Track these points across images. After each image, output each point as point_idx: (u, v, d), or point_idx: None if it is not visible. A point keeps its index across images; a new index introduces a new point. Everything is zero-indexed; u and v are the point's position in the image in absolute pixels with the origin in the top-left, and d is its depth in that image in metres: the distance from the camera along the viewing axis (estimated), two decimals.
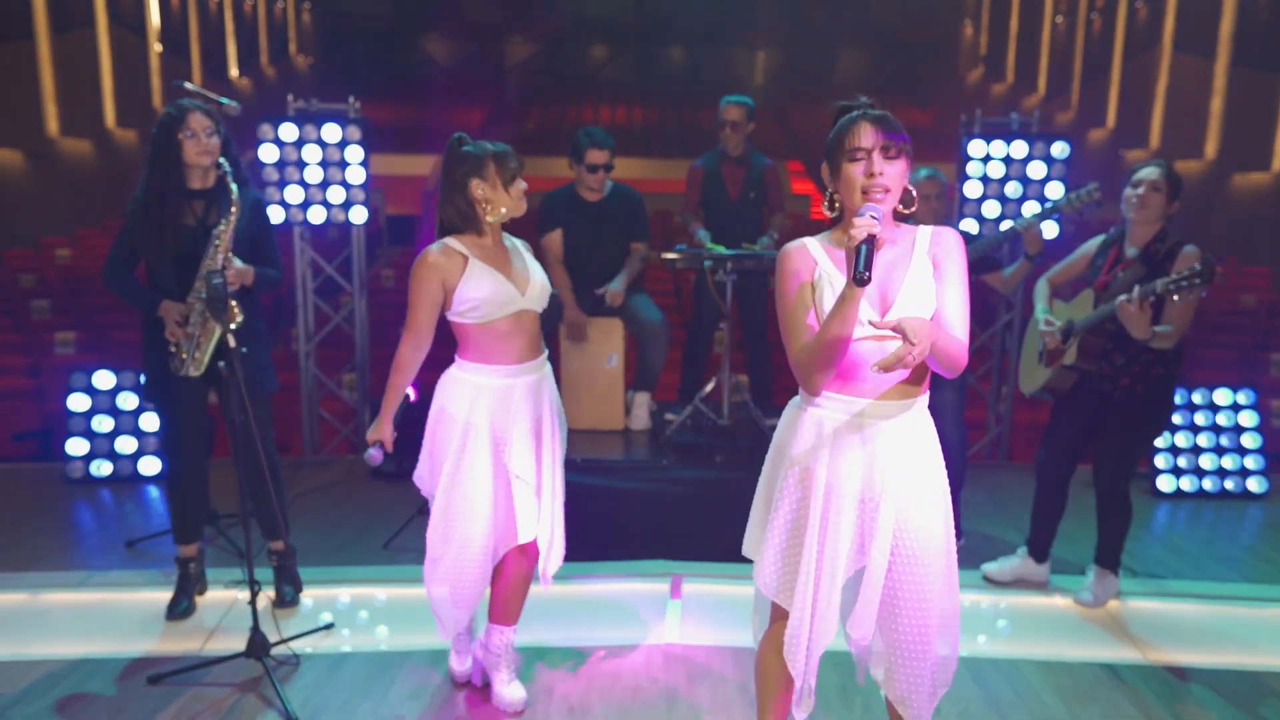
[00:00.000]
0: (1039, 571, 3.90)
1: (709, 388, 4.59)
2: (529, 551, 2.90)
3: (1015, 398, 5.87)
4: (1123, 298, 3.27)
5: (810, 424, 2.17)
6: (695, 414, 4.63)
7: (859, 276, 1.89)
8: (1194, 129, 12.96)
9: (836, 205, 2.16)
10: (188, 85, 3.95)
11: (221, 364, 2.86)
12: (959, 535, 4.33)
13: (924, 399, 2.20)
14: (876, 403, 2.13)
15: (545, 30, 26.62)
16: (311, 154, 5.48)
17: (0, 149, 11.26)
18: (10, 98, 11.54)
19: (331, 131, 5.47)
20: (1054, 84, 18.79)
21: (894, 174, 2.07)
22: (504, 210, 2.77)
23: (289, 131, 5.45)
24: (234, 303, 3.16)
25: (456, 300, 2.73)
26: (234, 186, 3.18)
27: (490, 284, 2.72)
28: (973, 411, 5.79)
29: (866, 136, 2.06)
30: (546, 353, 2.93)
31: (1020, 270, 4.08)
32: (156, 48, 15.77)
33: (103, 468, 5.19)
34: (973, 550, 4.28)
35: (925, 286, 2.12)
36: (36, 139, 11.93)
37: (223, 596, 3.68)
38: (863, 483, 2.14)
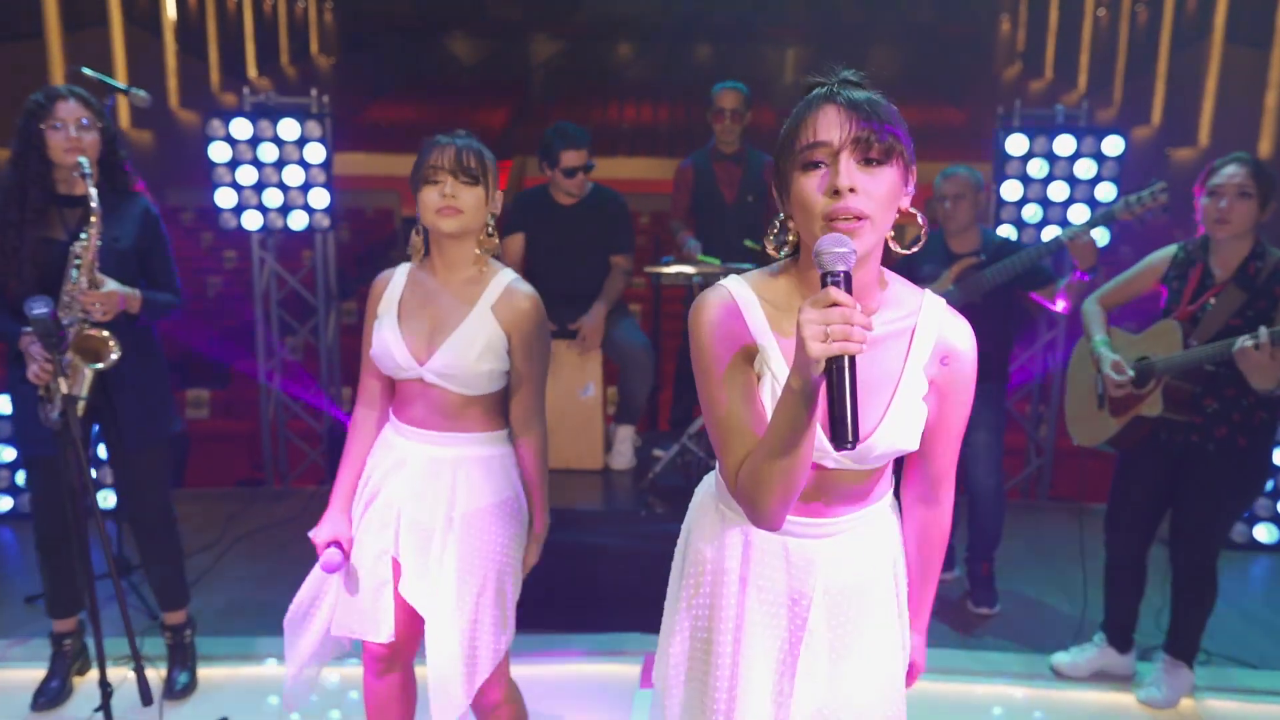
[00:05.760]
0: (1123, 663, 3.16)
1: (699, 424, 3.95)
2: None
3: (1059, 420, 5.13)
4: (1246, 341, 2.59)
5: (724, 524, 1.56)
6: (684, 452, 3.99)
7: (843, 436, 1.17)
8: (1247, 126, 12.20)
9: (791, 240, 1.38)
10: (85, 71, 3.42)
11: (56, 415, 2.31)
12: (993, 603, 3.67)
13: (883, 501, 1.54)
14: (810, 521, 1.48)
15: (570, 28, 26.20)
16: (268, 153, 4.93)
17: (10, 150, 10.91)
18: (20, 98, 11.14)
19: (289, 128, 4.90)
20: (1095, 79, 17.95)
21: (879, 192, 1.27)
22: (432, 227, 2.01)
23: (242, 129, 4.89)
24: (108, 335, 2.59)
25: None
26: (92, 191, 2.58)
27: (386, 333, 2.07)
28: (1008, 436, 5.06)
29: (830, 127, 1.27)
30: (499, 433, 2.14)
31: (1075, 289, 3.42)
32: (173, 47, 15.46)
33: (0, 503, 4.55)
34: (1009, 620, 3.60)
35: (914, 413, 1.41)
36: None
37: (110, 675, 3.08)
38: (789, 604, 1.51)
